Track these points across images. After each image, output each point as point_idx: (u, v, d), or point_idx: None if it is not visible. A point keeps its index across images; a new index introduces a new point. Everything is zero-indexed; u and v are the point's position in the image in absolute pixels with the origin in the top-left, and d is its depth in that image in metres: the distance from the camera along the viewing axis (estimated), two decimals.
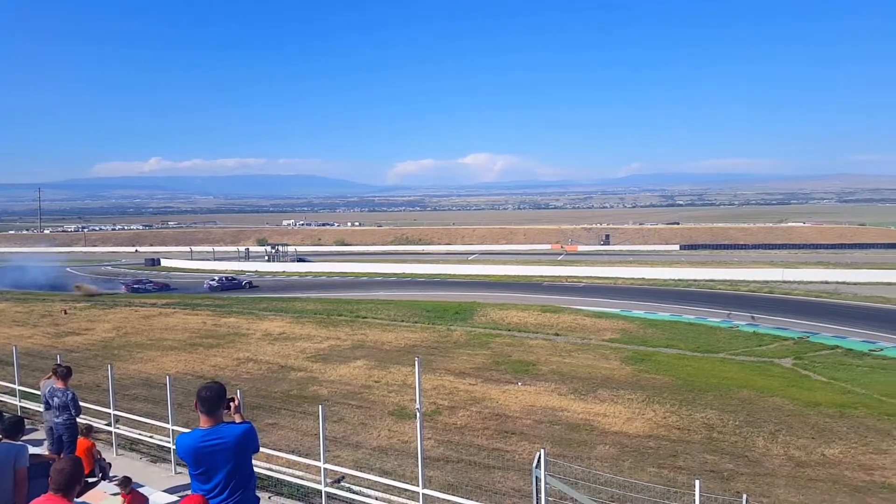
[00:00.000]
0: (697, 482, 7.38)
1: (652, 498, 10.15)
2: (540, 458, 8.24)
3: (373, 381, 22.63)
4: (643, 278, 56.97)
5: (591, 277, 58.68)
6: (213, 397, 4.46)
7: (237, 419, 4.75)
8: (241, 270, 72.26)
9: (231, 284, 56.37)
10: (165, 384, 11.23)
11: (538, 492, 8.37)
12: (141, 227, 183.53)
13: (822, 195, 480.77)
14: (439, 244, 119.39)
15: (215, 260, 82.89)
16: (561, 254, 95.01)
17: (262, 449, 11.90)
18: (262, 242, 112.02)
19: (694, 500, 7.36)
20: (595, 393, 20.91)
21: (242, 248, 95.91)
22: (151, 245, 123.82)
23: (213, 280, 57.01)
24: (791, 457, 15.35)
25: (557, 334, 31.28)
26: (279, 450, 12.79)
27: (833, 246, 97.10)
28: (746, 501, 8.24)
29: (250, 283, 58.29)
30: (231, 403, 4.70)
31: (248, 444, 4.56)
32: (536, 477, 8.42)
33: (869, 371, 23.90)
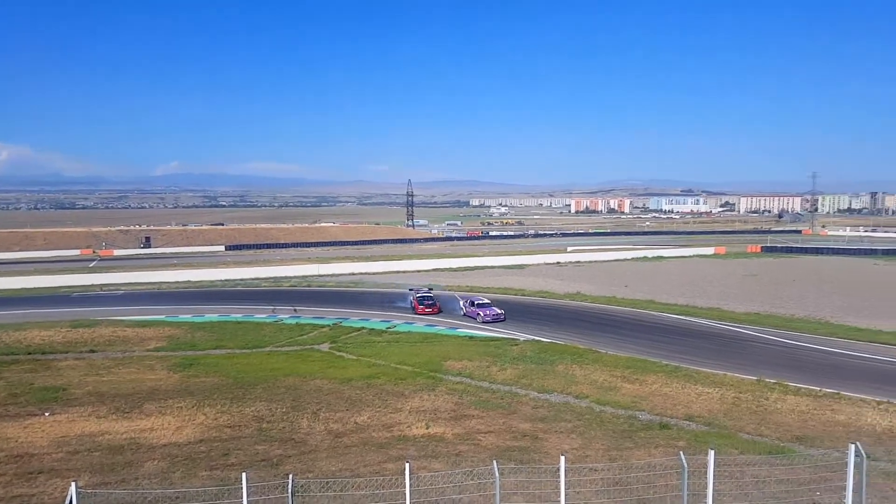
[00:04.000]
0: (244, 475, 7.69)
1: (205, 501, 10.08)
2: (71, 494, 7.27)
3: None
4: (189, 281, 55.39)
5: (131, 284, 53.99)
6: None
7: None
8: None
9: None
10: None
11: None
12: None
13: (347, 199, 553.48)
14: None
15: None
16: (94, 259, 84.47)
17: None
18: None
19: (242, 492, 7.64)
20: (140, 408, 19.41)
21: None
22: None
23: None
24: (331, 430, 17.32)
25: (93, 350, 27.81)
26: None
27: (356, 242, 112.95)
28: (292, 480, 9.00)
29: None
30: None
31: None
32: None
33: (387, 345, 28.82)
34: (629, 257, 75.50)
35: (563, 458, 10.17)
